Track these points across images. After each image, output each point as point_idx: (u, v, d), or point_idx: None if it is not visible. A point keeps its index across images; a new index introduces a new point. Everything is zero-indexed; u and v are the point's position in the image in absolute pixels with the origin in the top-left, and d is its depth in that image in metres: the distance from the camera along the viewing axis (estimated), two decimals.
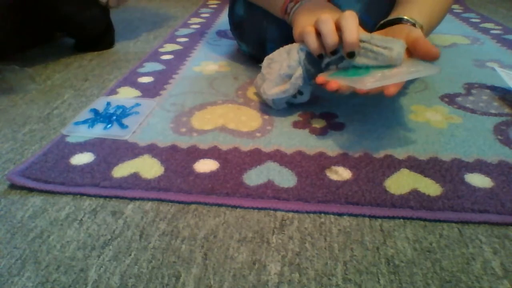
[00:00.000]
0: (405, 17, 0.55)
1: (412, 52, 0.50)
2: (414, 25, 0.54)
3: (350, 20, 0.49)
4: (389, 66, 0.48)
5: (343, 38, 0.49)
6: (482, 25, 1.11)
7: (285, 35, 0.73)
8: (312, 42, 0.52)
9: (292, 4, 0.61)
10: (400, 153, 0.51)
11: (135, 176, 0.47)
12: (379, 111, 0.61)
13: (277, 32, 0.72)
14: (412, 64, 0.48)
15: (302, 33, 0.54)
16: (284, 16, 0.63)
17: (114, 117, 0.60)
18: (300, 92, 0.59)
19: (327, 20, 0.51)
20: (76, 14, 0.86)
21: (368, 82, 0.45)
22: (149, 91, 0.70)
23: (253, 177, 0.46)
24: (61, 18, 0.85)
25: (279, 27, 0.71)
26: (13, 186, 0.46)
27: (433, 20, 0.61)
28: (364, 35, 0.50)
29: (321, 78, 0.50)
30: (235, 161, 0.49)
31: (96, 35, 0.93)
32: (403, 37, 0.50)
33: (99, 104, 0.64)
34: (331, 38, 0.50)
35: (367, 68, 0.50)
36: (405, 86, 0.70)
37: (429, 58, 0.48)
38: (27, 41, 0.87)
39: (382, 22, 0.58)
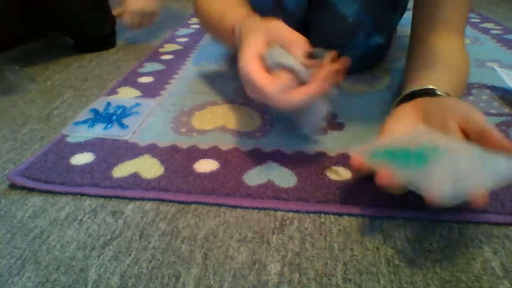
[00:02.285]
0: (438, 90, 0.47)
1: (475, 141, 0.39)
2: None
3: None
4: (440, 151, 0.37)
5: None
6: (482, 25, 1.11)
7: None
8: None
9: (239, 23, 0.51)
10: None
11: (135, 176, 0.47)
12: (379, 111, 0.61)
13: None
14: (482, 154, 0.36)
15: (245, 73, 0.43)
16: (232, 40, 0.53)
17: (114, 117, 0.60)
18: None
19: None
20: (79, 16, 0.86)
21: (442, 187, 0.33)
22: (149, 91, 0.70)
23: (253, 177, 0.46)
24: (64, 18, 0.85)
25: None
26: (13, 186, 0.46)
27: (460, 90, 0.53)
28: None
29: (357, 159, 0.39)
30: (235, 161, 0.49)
31: (98, 37, 0.93)
32: (459, 113, 0.41)
33: (99, 104, 0.64)
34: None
35: (419, 153, 0.38)
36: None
37: (504, 151, 0.37)
38: (24, 34, 0.86)
39: (408, 92, 0.49)
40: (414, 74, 0.54)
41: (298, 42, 0.44)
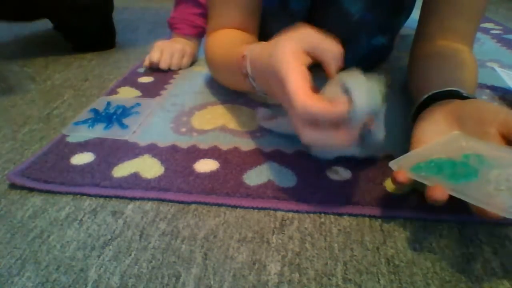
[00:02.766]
0: (463, 92, 0.45)
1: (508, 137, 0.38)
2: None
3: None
4: (486, 159, 0.36)
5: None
6: (482, 25, 1.11)
7: None
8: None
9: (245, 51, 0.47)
10: (400, 153, 0.50)
11: (135, 176, 0.47)
12: None
13: (279, 32, 0.71)
14: None
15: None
16: (241, 68, 0.48)
17: (114, 117, 0.60)
18: None
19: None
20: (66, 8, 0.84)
21: (507, 209, 0.31)
22: (149, 91, 0.70)
23: (253, 177, 0.46)
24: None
25: (282, 26, 0.71)
26: (13, 186, 0.46)
27: (475, 90, 0.52)
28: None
29: (402, 174, 0.36)
30: (235, 161, 0.49)
31: (92, 36, 0.92)
32: (495, 117, 0.39)
33: (99, 104, 0.64)
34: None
35: (466, 163, 0.37)
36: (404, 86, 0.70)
37: None
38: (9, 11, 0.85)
39: (430, 93, 0.47)
40: (429, 75, 0.52)
41: (333, 49, 0.38)
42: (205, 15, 0.76)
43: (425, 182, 0.36)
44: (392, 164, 0.38)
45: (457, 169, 0.36)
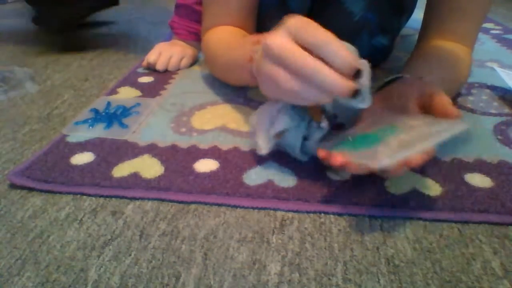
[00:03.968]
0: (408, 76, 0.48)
1: (428, 111, 0.42)
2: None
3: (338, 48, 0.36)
4: (396, 128, 0.39)
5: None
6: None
7: None
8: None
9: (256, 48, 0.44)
10: None
11: (135, 176, 0.47)
12: None
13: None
14: (431, 122, 0.39)
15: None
16: (248, 67, 0.46)
17: (115, 117, 0.60)
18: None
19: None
20: None
21: (384, 157, 0.35)
22: (149, 91, 0.70)
23: (253, 177, 0.46)
24: None
25: None
26: (13, 186, 0.46)
27: (450, 85, 0.53)
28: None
29: (322, 151, 0.40)
30: (235, 161, 0.49)
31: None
32: (415, 90, 0.44)
33: (99, 104, 0.64)
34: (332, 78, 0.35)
35: (375, 135, 0.40)
36: None
37: (448, 118, 0.40)
38: None
39: (387, 79, 0.50)
40: (407, 67, 0.55)
41: (341, 47, 0.36)
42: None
43: (332, 152, 0.39)
44: (319, 150, 0.41)
45: (366, 139, 0.41)
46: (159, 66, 0.77)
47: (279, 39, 0.35)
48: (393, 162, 0.35)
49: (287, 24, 0.36)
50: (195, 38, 0.83)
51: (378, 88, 0.51)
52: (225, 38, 0.59)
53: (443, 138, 0.36)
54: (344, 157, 0.37)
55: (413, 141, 0.36)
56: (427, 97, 0.43)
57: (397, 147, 0.36)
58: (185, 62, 0.80)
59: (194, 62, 0.83)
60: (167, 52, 0.79)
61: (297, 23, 0.35)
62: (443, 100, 0.41)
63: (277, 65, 0.36)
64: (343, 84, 0.34)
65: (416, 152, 0.35)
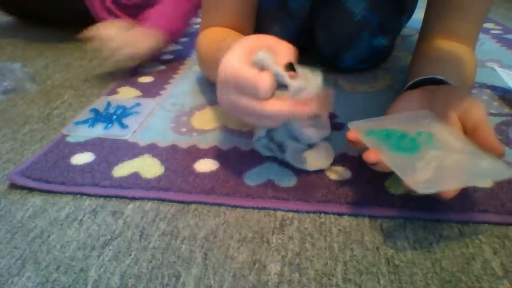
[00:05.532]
0: (447, 80, 0.47)
1: (469, 136, 0.39)
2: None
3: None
4: (435, 142, 0.38)
5: None
6: None
7: (288, 35, 0.73)
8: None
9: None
10: None
11: (135, 176, 0.47)
12: (379, 111, 0.61)
13: (279, 33, 0.72)
14: (473, 153, 0.37)
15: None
16: None
17: (115, 117, 0.60)
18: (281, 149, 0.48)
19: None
20: None
21: (420, 184, 0.34)
22: (149, 91, 0.70)
23: (253, 177, 0.46)
24: None
25: (281, 27, 0.71)
26: (13, 186, 0.46)
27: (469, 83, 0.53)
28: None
29: (352, 133, 0.40)
30: (235, 161, 0.49)
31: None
32: (462, 103, 0.41)
33: (100, 104, 0.64)
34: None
35: (413, 139, 0.39)
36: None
37: (490, 152, 0.37)
38: None
39: (414, 80, 0.49)
40: (422, 68, 0.54)
41: (285, 51, 0.39)
42: None
43: (368, 145, 0.38)
44: (351, 124, 0.40)
45: (403, 141, 0.39)
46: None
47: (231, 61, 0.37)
48: (431, 191, 0.34)
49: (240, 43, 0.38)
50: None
51: (414, 84, 0.49)
52: (216, 39, 0.59)
53: (484, 182, 0.35)
54: (377, 156, 0.37)
55: (453, 171, 0.35)
56: (471, 119, 0.40)
57: (435, 170, 0.35)
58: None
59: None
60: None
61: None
62: (488, 131, 0.38)
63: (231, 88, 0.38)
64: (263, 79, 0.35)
65: (454, 186, 0.35)
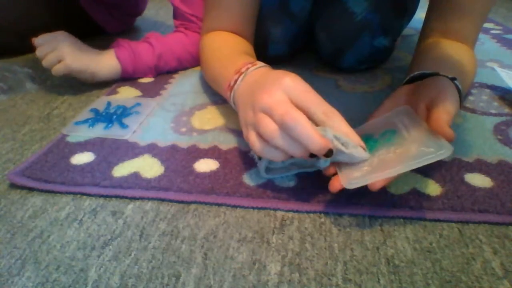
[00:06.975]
0: (444, 74, 0.47)
1: (428, 123, 0.42)
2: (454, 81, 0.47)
3: (338, 119, 0.39)
4: (394, 135, 0.41)
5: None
6: None
7: (289, 36, 0.73)
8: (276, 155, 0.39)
9: (236, 77, 0.46)
10: None
11: (135, 175, 0.47)
12: None
13: (280, 34, 0.72)
14: (422, 138, 0.40)
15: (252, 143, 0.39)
16: (228, 95, 0.48)
17: (115, 117, 0.60)
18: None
19: (298, 120, 0.36)
20: None
21: (347, 180, 0.38)
22: (149, 91, 0.70)
23: (253, 177, 0.46)
24: None
25: (282, 28, 0.71)
26: (13, 186, 0.46)
27: (465, 85, 0.54)
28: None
29: (330, 168, 0.43)
30: (235, 161, 0.49)
31: None
32: (427, 102, 0.44)
33: (100, 104, 0.64)
34: (315, 143, 0.36)
35: (376, 140, 0.43)
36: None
37: (441, 135, 0.39)
38: None
39: (409, 76, 0.51)
40: (420, 66, 0.54)
41: (339, 120, 0.40)
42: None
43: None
44: (349, 184, 0.40)
45: (366, 143, 0.42)
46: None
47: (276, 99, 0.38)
48: (357, 186, 0.38)
49: (283, 83, 0.38)
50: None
51: (412, 78, 0.51)
52: (221, 48, 0.58)
53: (422, 164, 0.37)
54: (334, 169, 0.42)
55: (391, 163, 0.38)
56: (432, 107, 0.43)
57: (376, 165, 0.39)
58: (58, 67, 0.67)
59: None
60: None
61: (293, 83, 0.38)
62: (440, 117, 0.40)
63: (265, 113, 0.38)
64: (320, 141, 0.36)
65: (387, 176, 0.38)
